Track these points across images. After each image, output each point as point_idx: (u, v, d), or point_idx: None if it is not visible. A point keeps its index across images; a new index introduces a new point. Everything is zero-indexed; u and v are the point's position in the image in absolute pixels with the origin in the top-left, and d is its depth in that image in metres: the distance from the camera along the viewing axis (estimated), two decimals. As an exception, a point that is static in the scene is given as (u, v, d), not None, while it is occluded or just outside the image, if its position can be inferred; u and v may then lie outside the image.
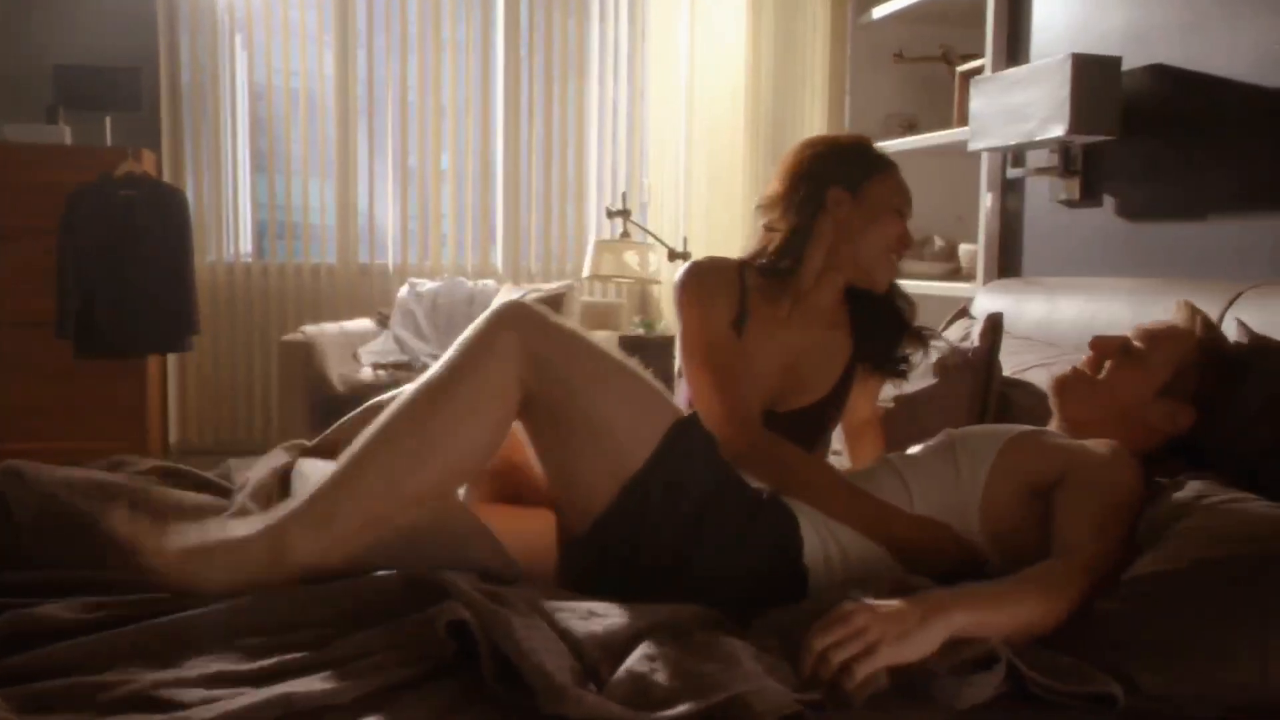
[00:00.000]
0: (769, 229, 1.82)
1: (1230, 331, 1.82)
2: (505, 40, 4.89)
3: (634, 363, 1.46)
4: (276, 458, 1.70)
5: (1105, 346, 1.58)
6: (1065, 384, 1.61)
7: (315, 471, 1.52)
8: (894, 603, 1.20)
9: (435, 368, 1.40)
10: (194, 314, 4.18)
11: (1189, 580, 1.24)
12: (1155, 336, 1.58)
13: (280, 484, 1.60)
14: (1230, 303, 1.91)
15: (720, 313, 1.76)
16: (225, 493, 1.66)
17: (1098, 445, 1.50)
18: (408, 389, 1.40)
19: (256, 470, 1.65)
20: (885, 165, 1.80)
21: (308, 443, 1.77)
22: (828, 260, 1.78)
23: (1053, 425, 1.65)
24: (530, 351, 1.37)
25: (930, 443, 1.61)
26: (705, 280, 1.77)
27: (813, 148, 1.82)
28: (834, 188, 1.75)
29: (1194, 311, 1.62)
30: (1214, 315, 1.92)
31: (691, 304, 1.76)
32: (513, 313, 1.40)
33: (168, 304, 4.10)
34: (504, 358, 1.36)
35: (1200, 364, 1.54)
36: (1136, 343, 1.58)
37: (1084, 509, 1.39)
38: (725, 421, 1.62)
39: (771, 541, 1.45)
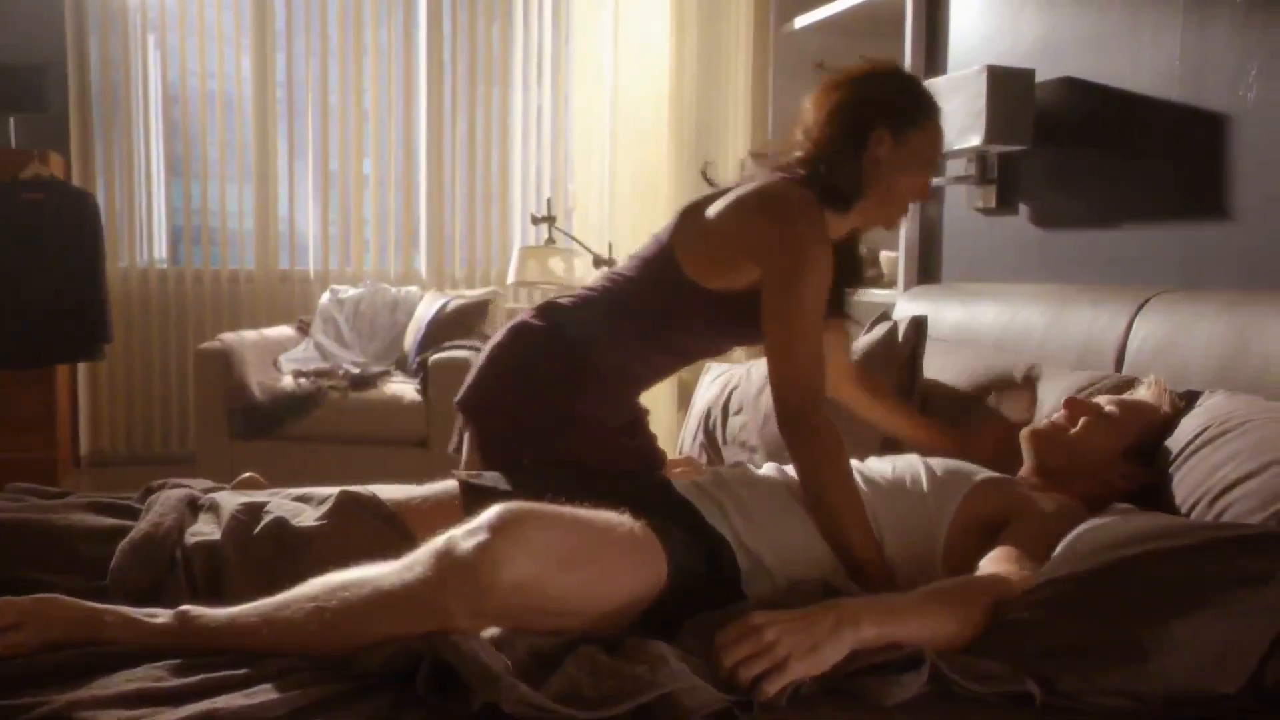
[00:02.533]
0: (796, 149, 1.71)
1: (1140, 338, 1.89)
2: (428, 44, 4.85)
3: (599, 541, 1.27)
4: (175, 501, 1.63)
5: (1081, 406, 1.67)
6: (1040, 434, 1.69)
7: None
8: (802, 612, 1.21)
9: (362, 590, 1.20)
10: (106, 321, 4.05)
11: (1094, 583, 1.30)
12: (1127, 404, 1.68)
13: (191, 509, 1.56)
14: (1139, 309, 1.98)
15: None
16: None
17: (1053, 498, 1.58)
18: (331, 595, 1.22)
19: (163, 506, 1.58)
20: (932, 114, 1.71)
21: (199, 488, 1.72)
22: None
23: (1023, 472, 1.72)
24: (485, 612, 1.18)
25: (897, 461, 1.67)
26: (827, 236, 1.63)
27: (864, 79, 1.71)
28: (879, 128, 1.66)
29: (1164, 389, 1.72)
30: (1123, 321, 1.99)
31: (822, 268, 1.59)
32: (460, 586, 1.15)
33: (78, 311, 3.97)
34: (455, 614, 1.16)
35: (1161, 434, 1.64)
36: (1109, 407, 1.67)
37: (1014, 541, 1.45)
38: (808, 398, 1.57)
39: (720, 580, 1.44)
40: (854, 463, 1.65)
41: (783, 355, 1.59)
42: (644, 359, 1.81)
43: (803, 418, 1.56)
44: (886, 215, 1.75)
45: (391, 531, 1.43)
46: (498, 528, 1.16)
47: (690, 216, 1.75)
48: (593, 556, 1.24)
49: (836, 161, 1.67)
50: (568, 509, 1.28)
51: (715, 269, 1.68)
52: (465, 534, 1.17)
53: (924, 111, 1.71)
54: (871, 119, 1.67)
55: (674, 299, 1.71)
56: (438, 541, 1.19)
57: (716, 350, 1.93)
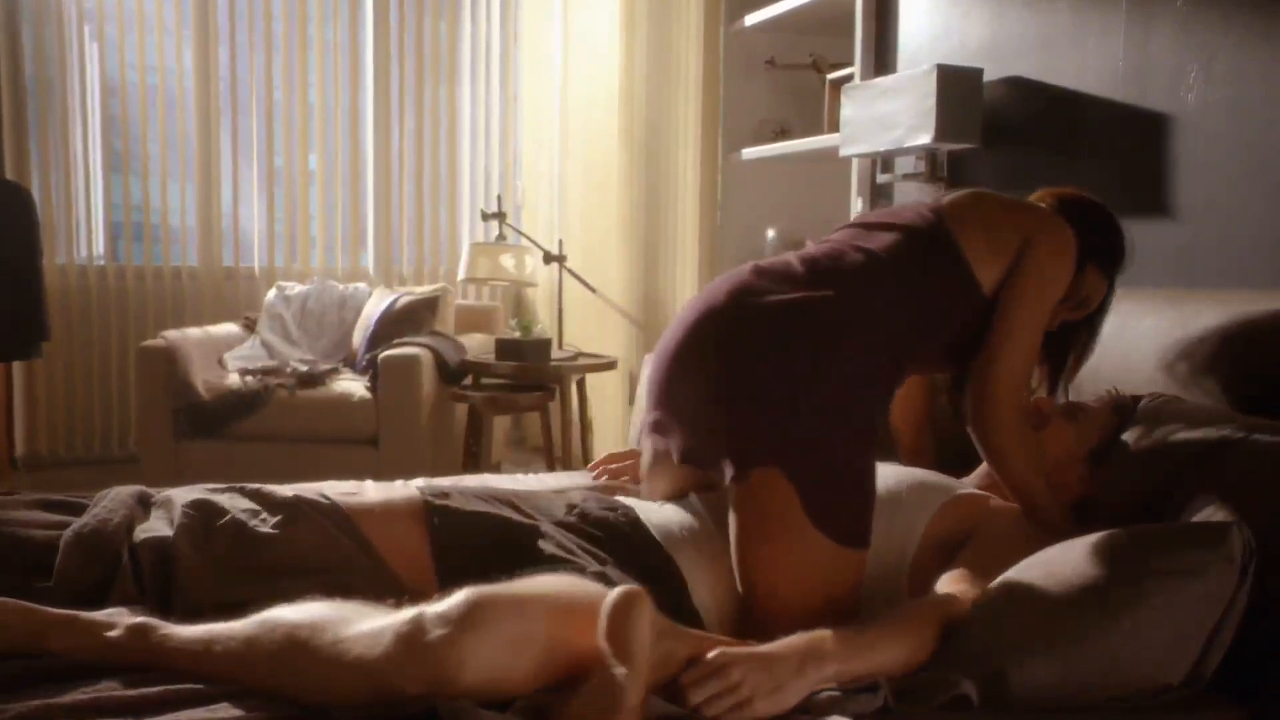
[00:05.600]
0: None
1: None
2: (375, 40, 4.79)
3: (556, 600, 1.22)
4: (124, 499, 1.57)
5: (1050, 406, 1.70)
6: None
7: None
8: (768, 649, 1.22)
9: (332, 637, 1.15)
10: (43, 319, 3.95)
11: (1039, 583, 1.34)
12: (1089, 409, 1.71)
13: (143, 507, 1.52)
14: (1085, 305, 2.02)
15: None
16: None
17: (1010, 512, 1.60)
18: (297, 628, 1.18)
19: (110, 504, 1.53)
20: (1116, 277, 1.77)
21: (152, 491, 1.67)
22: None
23: (984, 469, 1.73)
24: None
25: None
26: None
27: (1104, 210, 1.77)
28: (1093, 259, 1.71)
29: (1116, 397, 1.76)
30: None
31: (1068, 278, 1.63)
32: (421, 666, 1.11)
33: (14, 308, 3.86)
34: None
35: (1113, 440, 1.67)
36: (1075, 412, 1.70)
37: (969, 562, 1.47)
38: (995, 400, 1.57)
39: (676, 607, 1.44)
40: None
41: (994, 352, 1.58)
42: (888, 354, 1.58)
43: (982, 420, 1.58)
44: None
45: (349, 539, 1.41)
46: (466, 622, 1.11)
47: (964, 197, 1.69)
48: (563, 641, 1.18)
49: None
50: (541, 590, 1.21)
51: (983, 247, 1.60)
52: (434, 619, 1.12)
53: (1120, 270, 1.76)
54: (1100, 249, 1.72)
55: (950, 277, 1.60)
56: (406, 619, 1.13)
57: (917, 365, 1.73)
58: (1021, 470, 1.58)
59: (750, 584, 1.45)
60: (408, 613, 1.14)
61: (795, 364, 1.44)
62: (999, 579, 1.38)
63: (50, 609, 1.22)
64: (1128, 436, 1.65)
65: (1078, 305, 1.72)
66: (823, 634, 1.27)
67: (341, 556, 1.33)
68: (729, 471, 1.44)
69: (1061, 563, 1.36)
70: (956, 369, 1.68)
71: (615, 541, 1.48)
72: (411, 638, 1.10)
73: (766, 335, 1.47)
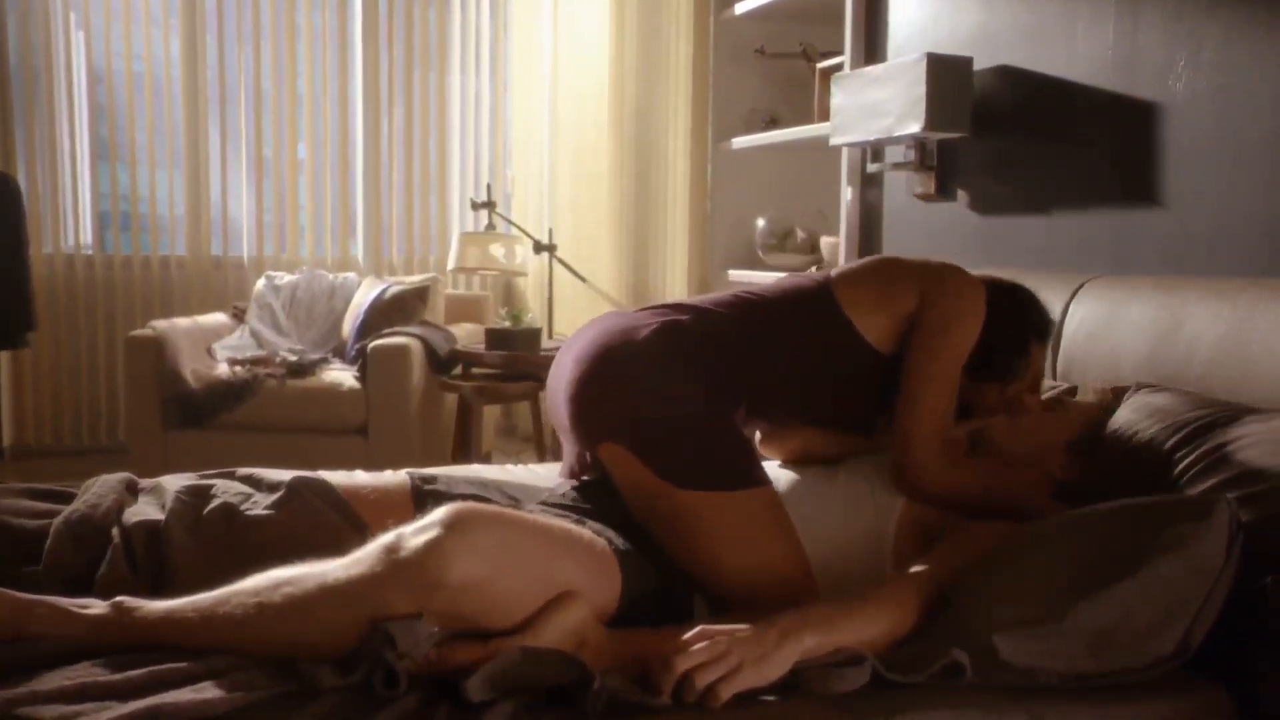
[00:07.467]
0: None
1: (1076, 321, 1.94)
2: (364, 29, 4.77)
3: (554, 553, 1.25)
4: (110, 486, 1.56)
5: (1032, 400, 1.72)
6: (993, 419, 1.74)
7: None
8: (745, 626, 1.22)
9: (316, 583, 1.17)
10: (30, 308, 3.93)
11: (1030, 555, 1.36)
12: (1072, 401, 1.74)
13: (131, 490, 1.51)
14: (1074, 294, 2.03)
15: None
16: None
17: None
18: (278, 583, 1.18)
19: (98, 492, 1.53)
20: (1048, 338, 1.77)
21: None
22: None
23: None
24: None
25: (841, 468, 1.66)
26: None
27: (1020, 290, 1.76)
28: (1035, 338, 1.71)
29: (1108, 391, 1.77)
30: (1059, 305, 2.04)
31: (977, 329, 1.60)
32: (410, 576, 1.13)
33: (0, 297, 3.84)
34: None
35: (1097, 431, 1.68)
36: (1058, 402, 1.74)
37: (951, 548, 1.47)
38: (936, 453, 1.55)
39: (671, 606, 1.45)
40: (785, 473, 1.66)
41: (909, 403, 1.57)
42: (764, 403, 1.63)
43: (904, 472, 1.56)
44: (988, 408, 1.73)
45: (343, 520, 1.42)
46: (449, 525, 1.14)
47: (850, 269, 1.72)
48: (545, 564, 1.22)
49: (1002, 338, 1.66)
50: (525, 514, 1.26)
51: (869, 301, 1.63)
52: (415, 530, 1.15)
53: (1049, 332, 1.76)
54: (1031, 327, 1.72)
55: (827, 328, 1.63)
56: (387, 536, 1.16)
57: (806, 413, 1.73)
58: (980, 495, 1.58)
59: (690, 570, 1.46)
60: (389, 534, 1.17)
61: (631, 362, 1.54)
62: (990, 551, 1.39)
63: (27, 595, 1.21)
64: (1119, 424, 1.66)
65: (1037, 381, 1.73)
66: (799, 609, 1.29)
67: (334, 537, 1.32)
68: (577, 451, 1.55)
69: (1052, 536, 1.37)
70: (856, 425, 1.70)
71: (597, 509, 1.49)
72: (394, 547, 1.14)
73: (617, 348, 1.56)
